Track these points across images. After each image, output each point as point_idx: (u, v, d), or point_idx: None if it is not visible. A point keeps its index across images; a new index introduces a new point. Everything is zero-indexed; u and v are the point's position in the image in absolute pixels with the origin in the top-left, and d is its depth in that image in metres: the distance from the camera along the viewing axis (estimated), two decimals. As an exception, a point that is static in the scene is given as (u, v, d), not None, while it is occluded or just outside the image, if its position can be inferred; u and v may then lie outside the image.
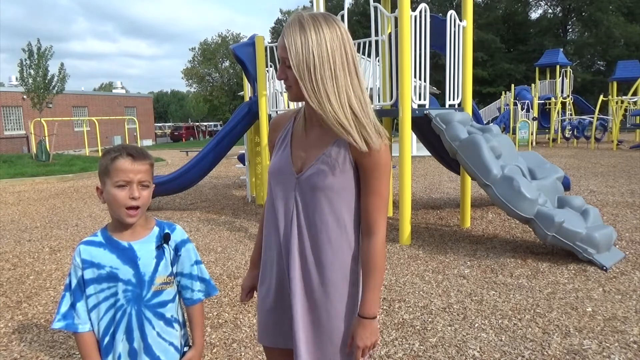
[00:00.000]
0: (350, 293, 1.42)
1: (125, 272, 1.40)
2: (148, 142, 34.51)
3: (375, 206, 1.37)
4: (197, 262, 1.54)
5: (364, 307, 1.38)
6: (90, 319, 1.42)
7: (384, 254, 1.40)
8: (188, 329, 1.60)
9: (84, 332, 1.40)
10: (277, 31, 47.93)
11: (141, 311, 1.42)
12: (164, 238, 1.47)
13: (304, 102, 1.44)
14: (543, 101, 20.70)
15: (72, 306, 1.40)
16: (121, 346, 1.42)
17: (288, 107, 7.61)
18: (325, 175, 1.35)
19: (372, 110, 1.37)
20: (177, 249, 1.50)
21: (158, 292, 1.45)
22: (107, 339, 1.42)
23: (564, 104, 20.55)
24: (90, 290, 1.40)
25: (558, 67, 20.81)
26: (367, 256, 1.39)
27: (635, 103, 18.25)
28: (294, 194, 1.40)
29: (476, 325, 3.12)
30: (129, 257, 1.41)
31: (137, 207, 1.38)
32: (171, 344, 1.48)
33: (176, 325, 1.50)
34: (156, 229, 1.48)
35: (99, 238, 1.43)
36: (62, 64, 18.36)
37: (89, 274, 1.40)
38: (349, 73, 1.29)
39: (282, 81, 1.35)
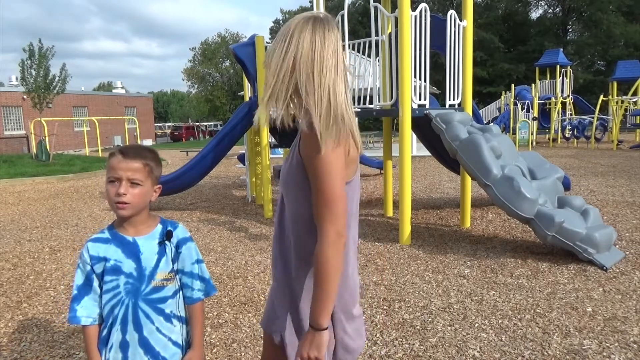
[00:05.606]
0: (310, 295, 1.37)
1: (128, 265, 1.46)
2: (148, 142, 34.47)
3: (317, 205, 1.28)
4: (198, 261, 1.57)
5: (310, 315, 1.30)
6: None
7: (332, 260, 1.25)
8: None
9: (86, 324, 1.47)
10: (276, 31, 47.97)
11: (137, 304, 1.47)
12: (166, 235, 1.51)
13: None
14: (543, 101, 20.70)
15: (76, 300, 1.47)
16: (115, 336, 1.47)
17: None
18: (287, 172, 1.39)
19: (352, 117, 1.30)
20: (178, 246, 1.53)
21: (158, 287, 1.49)
22: (105, 330, 1.49)
23: (564, 104, 20.55)
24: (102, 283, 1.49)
25: (558, 67, 20.82)
26: (314, 261, 1.28)
27: (635, 103, 18.25)
28: (281, 195, 1.48)
29: (476, 325, 3.12)
30: (132, 251, 1.47)
31: (125, 202, 1.42)
32: (170, 339, 1.52)
33: (175, 321, 1.53)
34: (160, 227, 1.53)
35: (106, 234, 1.50)
36: (64, 65, 18.32)
37: (99, 268, 1.46)
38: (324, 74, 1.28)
39: None
